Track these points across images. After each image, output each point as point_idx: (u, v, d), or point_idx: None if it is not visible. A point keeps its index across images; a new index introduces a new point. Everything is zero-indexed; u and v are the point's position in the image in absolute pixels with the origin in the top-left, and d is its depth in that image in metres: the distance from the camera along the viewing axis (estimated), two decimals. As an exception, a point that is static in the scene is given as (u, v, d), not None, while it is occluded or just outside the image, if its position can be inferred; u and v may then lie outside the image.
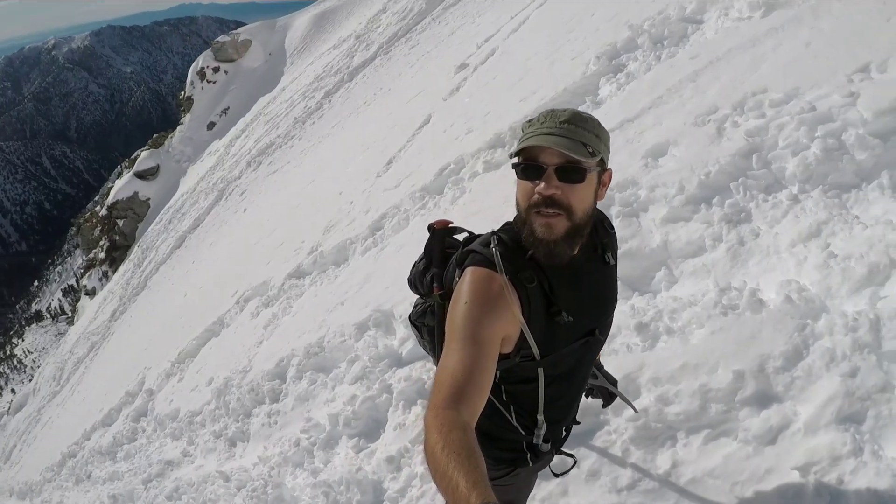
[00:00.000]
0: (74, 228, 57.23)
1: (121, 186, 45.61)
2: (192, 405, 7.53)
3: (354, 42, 30.74)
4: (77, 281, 64.35)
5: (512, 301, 1.63)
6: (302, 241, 9.85)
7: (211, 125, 45.35)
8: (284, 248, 10.48)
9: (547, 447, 1.99)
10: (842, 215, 3.45)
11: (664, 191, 4.34)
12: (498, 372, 1.79)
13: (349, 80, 25.62)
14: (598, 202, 1.74)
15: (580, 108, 5.75)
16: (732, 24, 5.78)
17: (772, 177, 3.97)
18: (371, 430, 4.74)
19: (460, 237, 2.06)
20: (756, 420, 2.75)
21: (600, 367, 2.46)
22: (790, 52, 4.85)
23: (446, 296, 1.89)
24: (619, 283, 3.57)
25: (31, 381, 41.74)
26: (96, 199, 48.88)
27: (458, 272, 1.81)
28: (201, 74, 49.31)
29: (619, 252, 3.66)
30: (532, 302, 1.67)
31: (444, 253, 2.05)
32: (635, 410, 2.77)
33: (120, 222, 44.09)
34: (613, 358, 3.38)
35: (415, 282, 2.25)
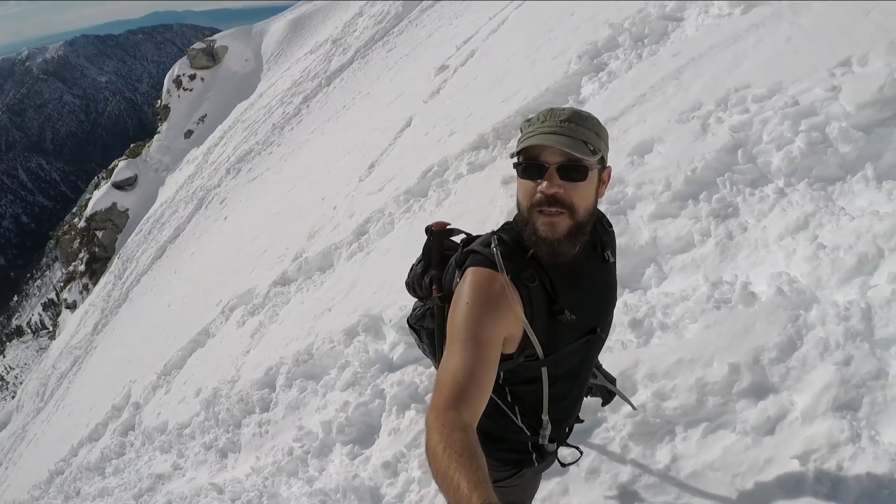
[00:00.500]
0: (53, 241, 56.57)
1: (99, 197, 45.10)
2: (181, 417, 7.43)
3: (331, 46, 30.70)
4: (57, 294, 63.55)
5: (514, 301, 1.62)
6: (286, 247, 9.78)
7: (189, 133, 45.07)
8: (268, 256, 10.41)
9: (553, 447, 2.00)
10: (828, 207, 3.49)
11: (651, 188, 4.37)
12: (501, 373, 1.82)
13: (327, 85, 25.55)
14: (598, 200, 1.73)
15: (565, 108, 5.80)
16: (713, 21, 5.83)
17: (757, 171, 4.02)
18: (365, 436, 4.71)
19: (458, 239, 2.06)
20: (753, 411, 2.78)
21: (599, 366, 2.48)
22: (771, 47, 4.90)
23: (446, 298, 1.89)
24: None
25: (13, 397, 41.60)
26: (74, 210, 48.33)
27: (458, 273, 1.81)
28: (177, 82, 48.89)
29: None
30: (534, 301, 1.67)
31: (442, 255, 2.05)
32: (633, 408, 2.79)
33: (99, 234, 43.62)
34: (608, 355, 3.39)
35: (413, 285, 2.23)
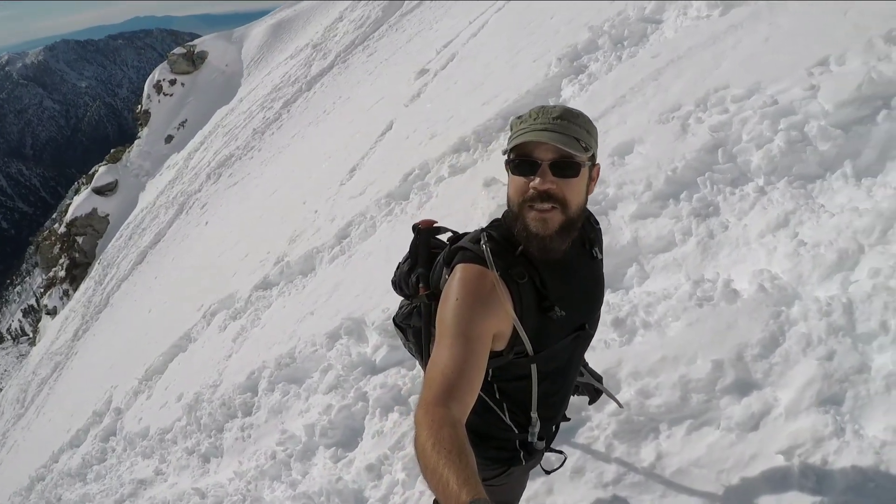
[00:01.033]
0: (33, 247, 56.03)
1: (79, 203, 44.71)
2: (163, 422, 7.38)
3: (312, 51, 30.61)
4: (37, 300, 62.84)
5: (503, 297, 1.62)
6: (267, 251, 9.74)
7: (169, 138, 44.83)
8: (250, 260, 10.36)
9: (541, 444, 2.00)
10: (808, 205, 3.52)
11: (632, 188, 4.38)
12: (490, 370, 1.80)
13: (308, 90, 25.47)
14: (588, 196, 1.74)
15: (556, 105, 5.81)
16: (692, 22, 5.87)
17: (738, 170, 4.04)
18: (348, 438, 4.69)
19: (445, 237, 2.06)
20: (737, 408, 2.78)
21: (585, 364, 2.47)
22: (750, 48, 4.94)
23: (433, 296, 1.89)
24: None
25: (-6, 404, 40.85)
26: (54, 216, 47.96)
27: (446, 271, 1.79)
28: (158, 87, 48.65)
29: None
30: (524, 298, 1.66)
31: (429, 253, 2.03)
32: (620, 406, 2.79)
33: (79, 239, 43.31)
34: (592, 354, 3.36)
35: (399, 283, 2.21)
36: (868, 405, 2.51)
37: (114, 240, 38.10)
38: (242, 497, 4.97)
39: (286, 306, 7.44)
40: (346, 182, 9.93)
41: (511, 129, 1.69)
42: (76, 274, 42.32)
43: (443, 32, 14.24)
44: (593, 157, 1.68)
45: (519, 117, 1.70)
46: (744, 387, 2.84)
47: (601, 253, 2.00)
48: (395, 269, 2.23)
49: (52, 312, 42.28)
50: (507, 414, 1.91)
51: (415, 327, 2.16)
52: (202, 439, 6.28)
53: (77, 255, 43.20)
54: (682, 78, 5.17)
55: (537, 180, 1.58)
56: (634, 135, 4.82)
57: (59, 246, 46.09)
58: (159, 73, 49.45)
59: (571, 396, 2.25)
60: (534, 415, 1.89)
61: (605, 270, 3.81)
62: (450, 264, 1.76)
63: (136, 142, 47.55)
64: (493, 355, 1.67)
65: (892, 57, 4.00)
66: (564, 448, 3.03)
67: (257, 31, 46.62)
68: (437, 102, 9.80)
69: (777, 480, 2.47)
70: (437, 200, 6.86)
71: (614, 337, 3.47)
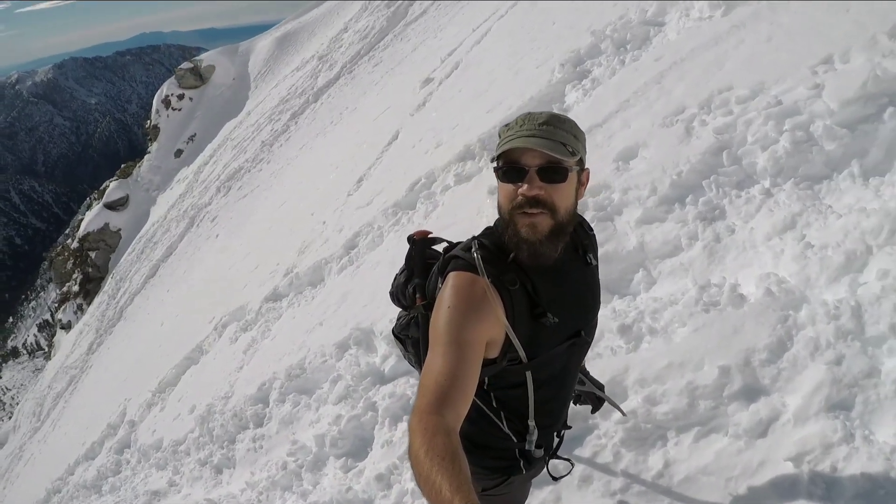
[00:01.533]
0: (47, 262, 56.77)
1: (91, 218, 44.84)
2: (176, 434, 7.44)
3: (318, 63, 30.51)
4: (52, 315, 63.18)
5: (495, 304, 1.62)
6: (277, 263, 9.77)
7: (178, 153, 44.89)
8: (259, 272, 10.39)
9: (540, 453, 1.98)
10: (815, 206, 3.48)
11: (637, 193, 4.35)
12: (486, 378, 1.81)
13: (314, 101, 25.42)
14: (578, 201, 1.74)
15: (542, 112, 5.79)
16: (694, 24, 5.84)
17: (743, 172, 4.00)
18: (358, 448, 4.70)
19: (440, 247, 2.05)
20: (745, 414, 2.75)
21: (587, 373, 2.45)
22: (752, 48, 4.90)
23: (429, 306, 1.88)
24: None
25: (10, 418, 41.13)
26: (67, 231, 48.61)
27: (440, 280, 1.79)
28: (166, 102, 48.63)
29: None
30: (515, 304, 1.66)
31: (425, 263, 2.03)
32: (623, 414, 2.77)
33: (92, 254, 43.40)
34: (598, 361, 3.37)
35: (397, 294, 2.22)
36: (878, 410, 2.47)
37: (126, 254, 38.35)
38: None
39: (296, 317, 7.46)
40: (353, 192, 9.94)
41: (499, 137, 1.69)
42: (90, 288, 42.51)
43: (447, 41, 14.23)
44: (581, 162, 1.68)
45: (506, 125, 1.70)
46: (751, 393, 2.81)
47: (595, 259, 1.99)
48: (392, 280, 2.23)
49: (67, 327, 42.57)
50: (504, 422, 1.90)
51: (413, 338, 2.17)
52: (214, 450, 6.33)
53: (90, 269, 43.38)
54: (685, 80, 5.14)
55: (525, 186, 1.59)
56: (639, 139, 4.79)
57: (72, 261, 46.43)
58: (167, 88, 49.45)
59: (574, 405, 2.25)
60: (531, 423, 1.88)
61: (611, 276, 3.90)
62: (443, 272, 1.76)
63: (146, 157, 47.74)
64: (487, 363, 1.67)
65: (897, 53, 3.96)
66: (571, 456, 3.01)
67: (263, 44, 46.65)
68: (442, 111, 9.78)
69: (786, 488, 2.44)
70: (443, 209, 6.85)
71: (620, 344, 3.44)
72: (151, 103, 51.95)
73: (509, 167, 1.62)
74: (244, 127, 34.30)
